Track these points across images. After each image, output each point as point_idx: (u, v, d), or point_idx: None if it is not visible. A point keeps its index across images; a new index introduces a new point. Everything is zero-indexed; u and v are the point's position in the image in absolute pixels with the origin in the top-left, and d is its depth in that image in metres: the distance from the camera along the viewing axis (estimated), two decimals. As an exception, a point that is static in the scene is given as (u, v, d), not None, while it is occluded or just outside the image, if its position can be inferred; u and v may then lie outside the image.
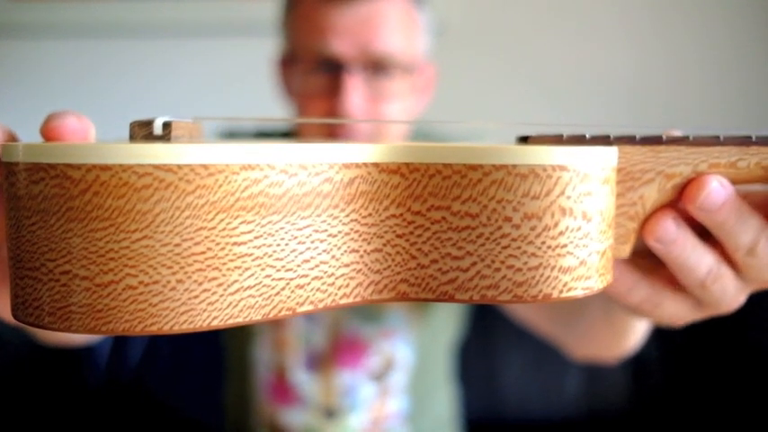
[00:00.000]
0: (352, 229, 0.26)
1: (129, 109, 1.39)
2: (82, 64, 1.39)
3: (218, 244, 0.23)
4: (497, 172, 0.25)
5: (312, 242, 0.25)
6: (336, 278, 0.26)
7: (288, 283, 0.25)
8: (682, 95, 1.37)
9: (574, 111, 1.37)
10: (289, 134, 0.84)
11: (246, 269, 0.24)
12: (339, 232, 0.26)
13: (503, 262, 0.25)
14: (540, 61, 1.38)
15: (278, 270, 0.24)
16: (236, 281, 0.24)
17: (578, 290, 0.26)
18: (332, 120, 0.50)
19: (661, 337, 1.26)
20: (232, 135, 0.86)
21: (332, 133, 0.69)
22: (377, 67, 0.68)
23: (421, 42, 0.74)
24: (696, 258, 0.30)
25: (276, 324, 0.79)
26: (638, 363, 1.25)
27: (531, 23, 1.38)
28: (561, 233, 0.25)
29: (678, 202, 0.30)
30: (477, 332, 1.17)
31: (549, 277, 0.25)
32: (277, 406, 0.79)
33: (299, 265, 0.25)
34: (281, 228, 0.24)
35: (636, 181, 0.28)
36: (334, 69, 0.68)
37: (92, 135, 0.29)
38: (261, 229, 0.24)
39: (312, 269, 0.25)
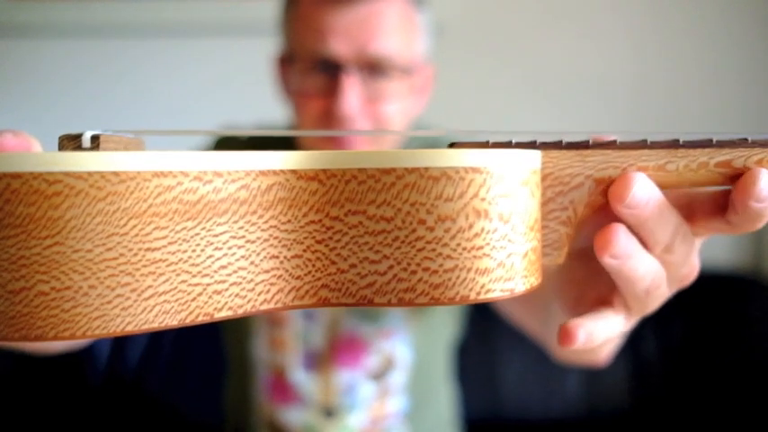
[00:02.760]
0: (271, 236, 0.26)
1: (129, 109, 1.39)
2: (82, 64, 1.39)
3: (130, 250, 0.23)
4: (410, 175, 0.25)
5: (230, 248, 0.25)
6: (256, 284, 0.26)
7: (205, 289, 0.25)
8: (680, 95, 1.37)
9: (572, 110, 1.37)
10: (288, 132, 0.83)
11: (161, 275, 0.24)
12: (258, 238, 0.26)
13: (419, 264, 0.25)
14: (539, 61, 1.38)
15: (194, 276, 0.25)
16: (149, 286, 0.24)
17: (497, 291, 0.26)
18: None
19: (661, 337, 1.26)
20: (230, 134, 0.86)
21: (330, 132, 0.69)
22: (374, 68, 0.68)
23: (420, 43, 0.74)
24: (645, 267, 0.30)
25: (274, 323, 0.79)
26: (638, 363, 1.25)
27: (529, 24, 1.38)
28: (477, 235, 0.25)
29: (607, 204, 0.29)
30: (476, 332, 1.17)
31: (465, 279, 0.25)
32: (277, 405, 0.79)
33: (215, 271, 0.25)
34: (197, 234, 0.24)
35: (565, 186, 0.28)
36: (331, 70, 0.68)
37: (35, 149, 0.28)
38: (175, 235, 0.24)
39: (230, 275, 0.25)
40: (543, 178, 0.28)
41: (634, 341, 1.24)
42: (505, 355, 1.24)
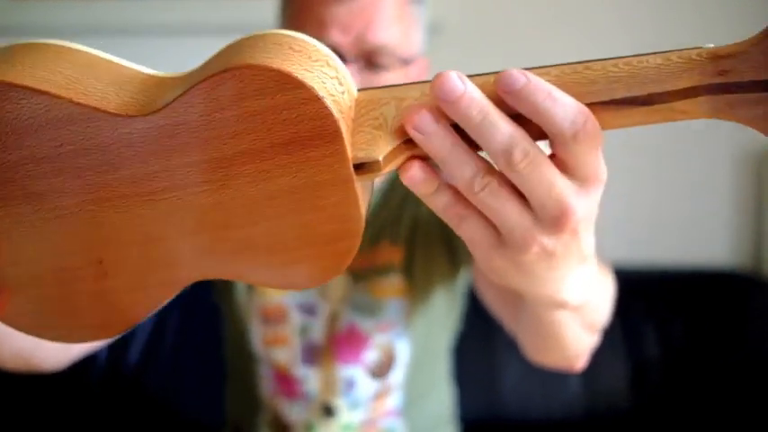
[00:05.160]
0: None
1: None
2: (82, 64, 1.39)
3: None
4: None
5: None
6: None
7: None
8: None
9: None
10: None
11: None
12: None
13: None
14: (538, 60, 1.37)
15: None
16: None
17: None
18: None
19: (661, 336, 1.26)
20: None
21: None
22: (373, 58, 0.70)
23: (416, 35, 0.74)
24: (458, 156, 0.31)
25: (271, 321, 0.79)
26: (638, 363, 1.25)
27: (528, 22, 1.38)
28: None
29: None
30: (476, 332, 1.17)
31: None
32: (281, 399, 0.79)
33: None
34: None
35: (375, 104, 0.35)
36: None
37: None
38: None
39: None
40: (360, 102, 0.35)
41: (634, 341, 1.24)
42: (505, 355, 1.24)
